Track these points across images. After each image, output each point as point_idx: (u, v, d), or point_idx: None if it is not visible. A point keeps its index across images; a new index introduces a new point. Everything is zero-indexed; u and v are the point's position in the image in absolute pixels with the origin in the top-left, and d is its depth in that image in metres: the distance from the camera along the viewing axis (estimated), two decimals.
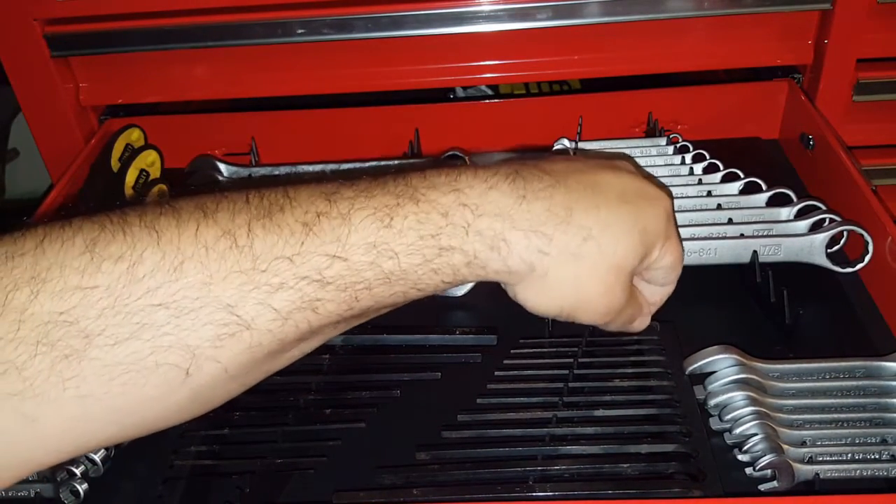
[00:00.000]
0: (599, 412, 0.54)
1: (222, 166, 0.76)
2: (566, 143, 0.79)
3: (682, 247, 0.50)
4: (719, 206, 0.70)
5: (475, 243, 0.42)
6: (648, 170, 0.75)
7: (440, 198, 0.42)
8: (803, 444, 0.51)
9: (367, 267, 0.40)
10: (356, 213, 0.40)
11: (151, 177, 0.77)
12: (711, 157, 0.75)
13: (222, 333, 0.38)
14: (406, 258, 0.41)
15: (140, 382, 0.37)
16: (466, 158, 0.77)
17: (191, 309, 0.37)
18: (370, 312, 0.45)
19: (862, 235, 0.63)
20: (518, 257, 0.43)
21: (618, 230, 0.44)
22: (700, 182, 0.73)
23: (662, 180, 0.73)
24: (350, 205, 0.40)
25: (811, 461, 0.50)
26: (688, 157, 0.76)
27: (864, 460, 0.50)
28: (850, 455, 0.51)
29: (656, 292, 0.53)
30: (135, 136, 0.81)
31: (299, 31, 0.78)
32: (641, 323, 0.53)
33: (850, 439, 0.51)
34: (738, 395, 0.53)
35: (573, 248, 0.43)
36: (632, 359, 0.59)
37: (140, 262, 0.36)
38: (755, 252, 0.65)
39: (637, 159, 0.77)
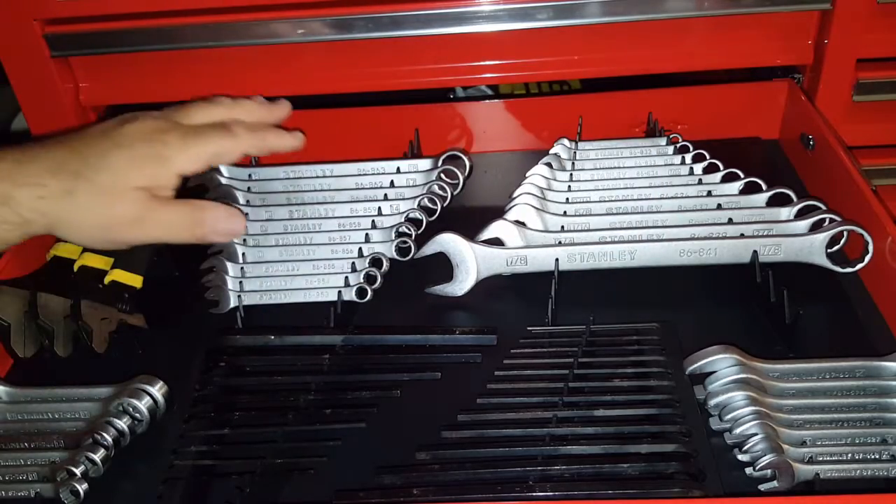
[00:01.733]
0: (600, 412, 0.54)
1: (222, 167, 0.76)
2: (566, 143, 0.79)
3: (212, 144, 0.61)
4: (719, 206, 0.70)
5: None
6: (648, 170, 0.76)
7: None
8: (803, 444, 0.51)
9: None
10: None
11: None
12: (711, 157, 0.75)
13: None
14: None
15: None
16: (466, 158, 0.77)
17: None
18: None
19: (862, 235, 0.63)
20: (27, 207, 0.55)
21: (106, 166, 0.57)
22: (700, 182, 0.73)
23: (662, 180, 0.74)
24: None
25: (811, 461, 0.50)
26: (688, 157, 0.76)
27: (864, 460, 0.50)
28: (850, 455, 0.51)
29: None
30: None
31: (299, 31, 0.78)
32: (213, 218, 0.62)
33: (850, 439, 0.51)
34: (738, 395, 0.53)
35: (67, 186, 0.56)
36: (632, 359, 0.59)
37: None
38: (755, 252, 0.65)
39: (637, 159, 0.78)
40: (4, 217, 0.54)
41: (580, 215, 0.70)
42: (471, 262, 0.66)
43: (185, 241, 0.62)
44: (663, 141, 0.79)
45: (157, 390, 0.57)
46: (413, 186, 0.76)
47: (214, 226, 0.62)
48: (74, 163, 0.57)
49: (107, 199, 0.57)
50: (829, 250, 0.65)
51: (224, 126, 0.64)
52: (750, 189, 0.71)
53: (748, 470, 0.50)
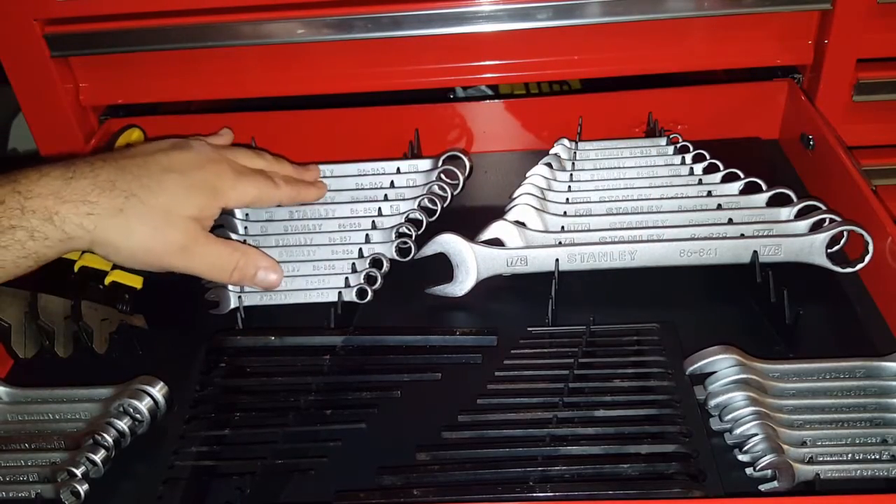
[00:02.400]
0: (600, 412, 0.54)
1: None
2: (566, 143, 0.79)
3: (257, 187, 0.66)
4: (719, 206, 0.70)
5: (31, 219, 0.53)
6: (648, 170, 0.76)
7: None
8: (803, 444, 0.51)
9: None
10: None
11: None
12: (711, 157, 0.75)
13: None
14: None
15: None
16: (466, 158, 0.77)
17: None
18: None
19: (862, 235, 0.63)
20: (72, 223, 0.55)
21: (161, 189, 0.58)
22: (700, 182, 0.73)
23: (662, 180, 0.74)
24: None
25: (811, 461, 0.50)
26: (688, 157, 0.76)
27: (864, 460, 0.50)
28: (850, 455, 0.51)
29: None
30: (135, 136, 0.81)
31: (299, 31, 0.78)
32: (254, 267, 0.65)
33: (850, 439, 0.52)
34: (738, 396, 0.53)
35: (118, 205, 0.56)
36: (632, 359, 0.59)
37: None
38: (755, 252, 0.65)
39: (637, 159, 0.78)
40: (46, 233, 0.54)
41: (580, 215, 0.70)
42: (471, 262, 0.66)
43: (219, 281, 0.65)
44: (663, 141, 0.79)
45: (158, 391, 0.57)
46: (413, 187, 0.76)
47: (254, 275, 0.64)
48: (127, 182, 0.57)
49: (158, 224, 0.58)
50: (829, 250, 0.65)
51: (268, 174, 0.68)
52: (750, 189, 0.71)
53: (748, 470, 0.50)
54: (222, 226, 0.70)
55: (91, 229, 0.55)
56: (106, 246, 0.57)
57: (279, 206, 0.71)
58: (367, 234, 0.71)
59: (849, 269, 0.64)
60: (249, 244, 0.69)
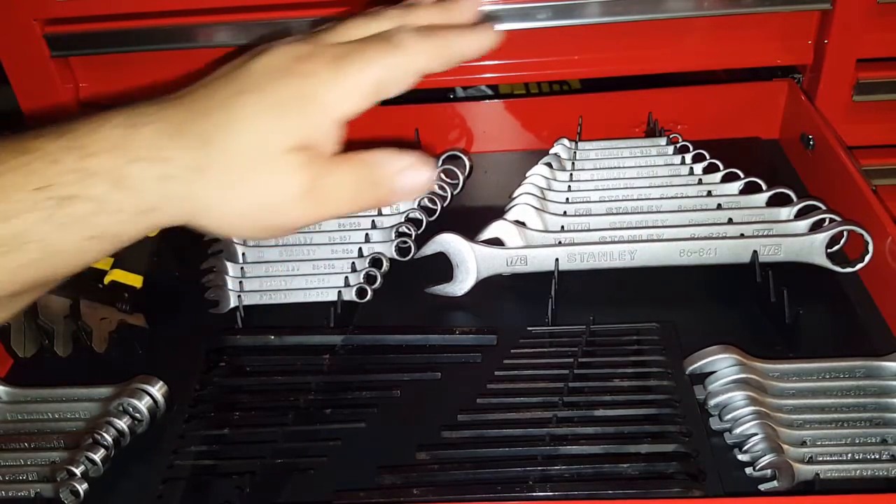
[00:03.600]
0: (599, 412, 0.54)
1: None
2: (566, 143, 0.79)
3: (375, 65, 0.43)
4: (719, 206, 0.70)
5: (95, 186, 0.37)
6: (648, 170, 0.76)
7: (46, 144, 0.37)
8: (803, 444, 0.51)
9: None
10: None
11: None
12: (711, 157, 0.75)
13: None
14: (17, 219, 0.36)
15: None
16: (466, 158, 0.77)
17: None
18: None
19: (862, 235, 0.63)
20: (150, 191, 0.38)
21: (237, 124, 0.40)
22: (700, 182, 0.73)
23: (662, 180, 0.74)
24: None
25: (811, 461, 0.50)
26: (688, 157, 0.76)
27: (864, 460, 0.50)
28: (850, 455, 0.51)
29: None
30: None
31: (299, 31, 0.78)
32: (395, 173, 0.46)
33: (850, 439, 0.51)
34: (738, 395, 0.53)
35: (196, 159, 0.39)
36: (632, 359, 0.59)
37: None
38: (755, 252, 0.65)
39: (637, 159, 0.78)
40: (119, 204, 0.37)
41: (580, 215, 0.70)
42: (471, 262, 0.66)
43: (368, 209, 0.49)
44: (663, 141, 0.79)
45: (157, 390, 0.57)
46: None
47: (400, 183, 0.45)
48: (197, 123, 0.40)
49: (252, 173, 0.40)
50: (829, 250, 0.65)
51: (385, 37, 0.44)
52: (750, 189, 0.71)
53: (748, 470, 0.50)
54: None
55: (173, 197, 0.39)
56: (203, 218, 0.40)
57: (424, 77, 0.46)
58: (366, 234, 0.71)
59: (849, 269, 0.64)
60: (248, 242, 0.69)
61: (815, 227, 0.66)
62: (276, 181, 0.40)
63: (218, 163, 0.39)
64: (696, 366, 0.56)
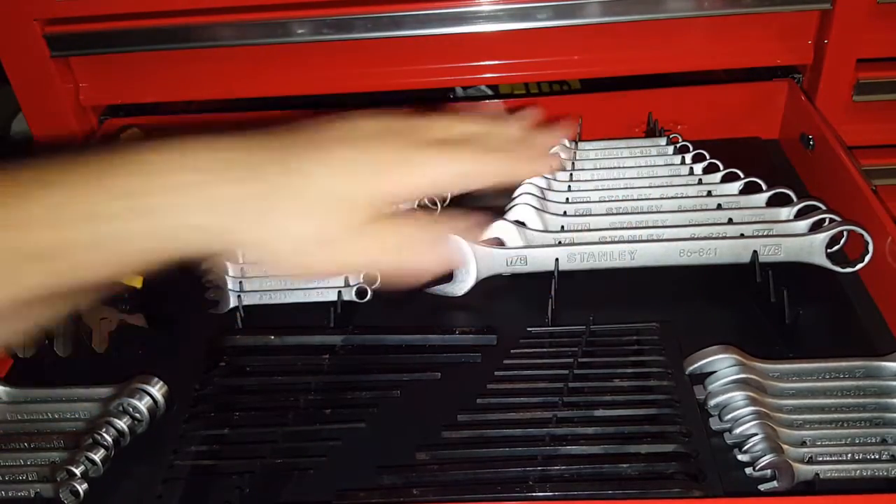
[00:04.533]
0: (599, 412, 0.54)
1: None
2: (566, 143, 0.79)
3: (444, 165, 0.49)
4: (719, 206, 0.70)
5: (149, 205, 0.42)
6: (648, 170, 0.76)
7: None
8: (803, 444, 0.51)
9: None
10: None
11: None
12: (711, 157, 0.75)
13: None
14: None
15: None
16: None
17: None
18: None
19: (862, 235, 0.63)
20: (200, 213, 0.42)
21: (307, 170, 0.45)
22: (700, 182, 0.73)
23: (662, 180, 0.74)
24: None
25: (811, 461, 0.50)
26: (688, 157, 0.76)
27: (864, 460, 0.50)
28: (850, 455, 0.50)
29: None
30: (135, 136, 0.81)
31: (299, 31, 0.78)
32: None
33: (850, 439, 0.51)
34: (738, 395, 0.53)
35: (257, 191, 0.43)
36: (632, 359, 0.59)
37: None
38: (755, 252, 0.65)
39: (637, 159, 0.78)
40: (171, 225, 0.42)
41: (580, 215, 0.70)
42: (471, 262, 0.66)
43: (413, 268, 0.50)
44: (663, 141, 0.79)
45: (157, 390, 0.57)
46: None
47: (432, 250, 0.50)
48: (263, 164, 0.44)
49: (312, 211, 0.45)
50: (829, 250, 0.65)
51: (469, 145, 0.50)
52: (750, 189, 0.71)
53: (748, 470, 0.50)
54: None
55: (224, 223, 0.43)
56: (253, 243, 0.45)
57: (490, 186, 0.51)
58: None
59: (849, 269, 0.64)
60: None
61: (815, 228, 0.66)
62: (318, 224, 0.45)
63: (278, 199, 0.44)
64: (696, 366, 0.56)
